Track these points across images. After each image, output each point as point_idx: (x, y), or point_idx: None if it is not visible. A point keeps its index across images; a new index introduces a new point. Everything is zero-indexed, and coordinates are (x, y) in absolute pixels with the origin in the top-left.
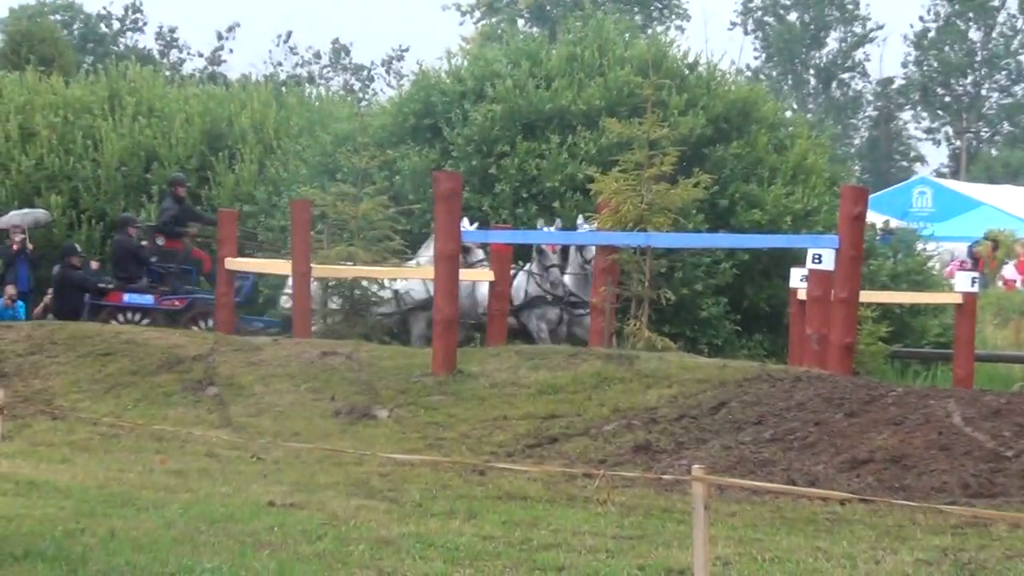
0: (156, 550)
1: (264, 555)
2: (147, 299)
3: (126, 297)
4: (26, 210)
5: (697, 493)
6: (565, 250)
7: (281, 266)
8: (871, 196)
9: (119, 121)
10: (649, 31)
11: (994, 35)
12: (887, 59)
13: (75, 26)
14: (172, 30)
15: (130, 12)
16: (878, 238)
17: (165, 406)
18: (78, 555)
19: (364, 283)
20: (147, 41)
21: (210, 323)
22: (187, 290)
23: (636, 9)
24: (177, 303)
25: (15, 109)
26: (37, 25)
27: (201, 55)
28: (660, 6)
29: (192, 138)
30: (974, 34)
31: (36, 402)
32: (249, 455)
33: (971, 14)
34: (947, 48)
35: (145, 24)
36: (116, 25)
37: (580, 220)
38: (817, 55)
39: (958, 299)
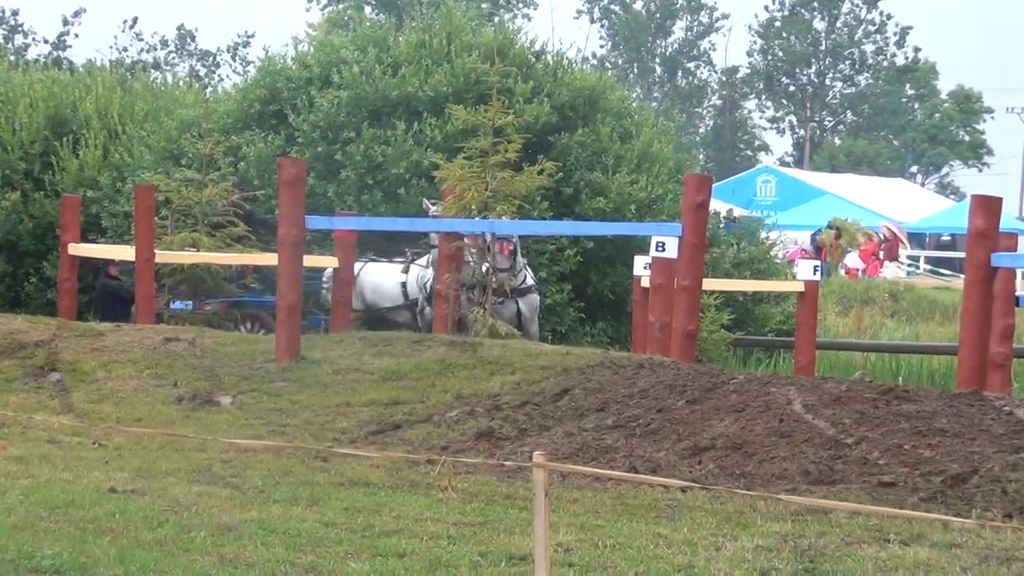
0: None
1: (105, 541)
2: (187, 304)
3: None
4: None
5: (538, 480)
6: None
7: (125, 252)
8: (716, 185)
9: None
10: (496, 19)
11: (838, 25)
12: (732, 48)
13: None
14: (15, 12)
15: None
16: (722, 226)
17: (6, 392)
18: None
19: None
20: None
21: (256, 326)
22: (227, 293)
23: None
24: (218, 307)
25: None
26: None
27: (46, 41)
28: None
29: (36, 123)
30: (818, 24)
31: None
32: (91, 441)
33: (816, 4)
34: (792, 38)
35: None
36: None
37: (426, 204)
38: (663, 44)
39: (800, 287)
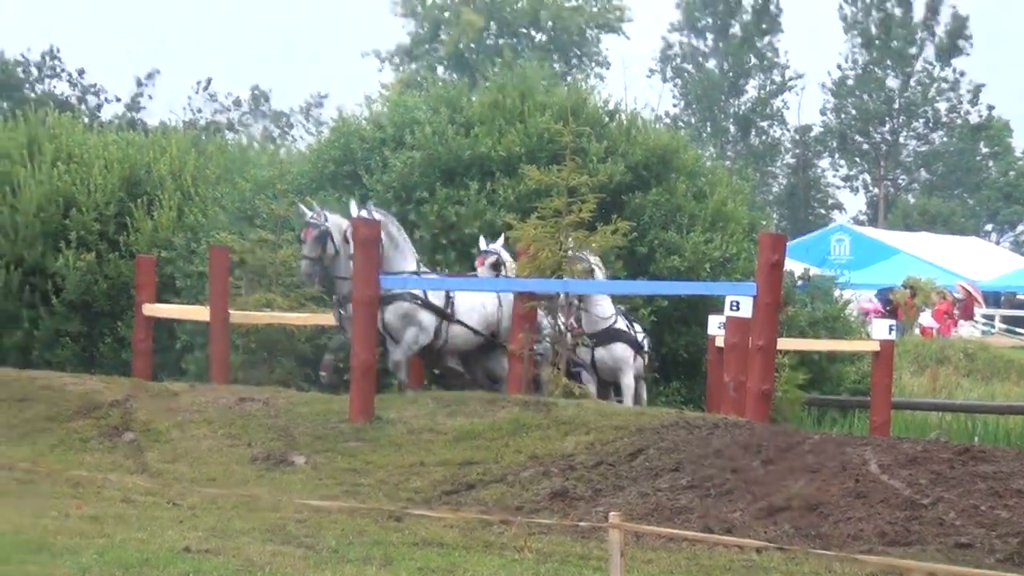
0: None
1: None
2: None
3: None
4: None
5: (614, 540)
6: None
7: (199, 312)
8: (789, 244)
9: (38, 167)
10: (569, 78)
11: (912, 83)
12: (805, 107)
13: None
14: (81, 72)
15: (47, 58)
16: (796, 285)
17: (81, 452)
18: None
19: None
20: (64, 87)
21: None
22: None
23: (556, 56)
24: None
25: None
26: None
27: (119, 99)
28: (579, 53)
29: (111, 184)
30: (892, 82)
31: None
32: (165, 501)
33: (889, 62)
34: (865, 96)
35: (63, 70)
36: (34, 72)
37: (483, 244)
38: (736, 103)
39: (875, 346)
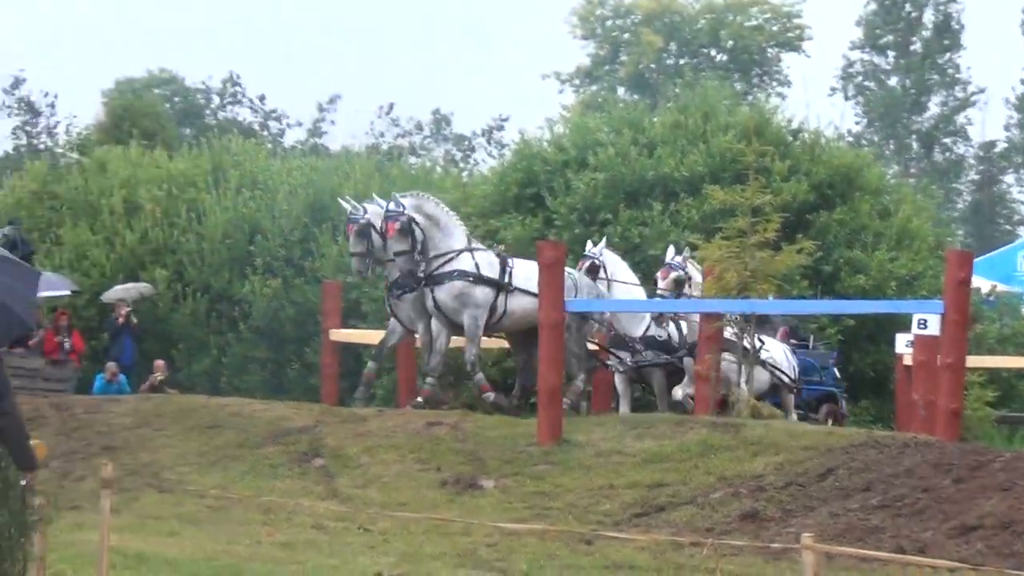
0: None
1: None
2: None
3: None
4: (130, 284)
5: (807, 561)
6: None
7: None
8: (975, 260)
9: (223, 194)
10: (750, 97)
11: None
12: (989, 122)
13: (175, 99)
14: (262, 98)
15: (228, 85)
16: (984, 302)
17: (272, 478)
18: None
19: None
20: (246, 113)
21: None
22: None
23: (736, 76)
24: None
25: (119, 183)
26: (139, 99)
27: (300, 124)
28: (760, 72)
29: (295, 210)
30: None
31: (144, 475)
32: (356, 526)
33: None
34: None
35: (244, 96)
36: (216, 99)
37: (670, 254)
38: (918, 119)
39: None
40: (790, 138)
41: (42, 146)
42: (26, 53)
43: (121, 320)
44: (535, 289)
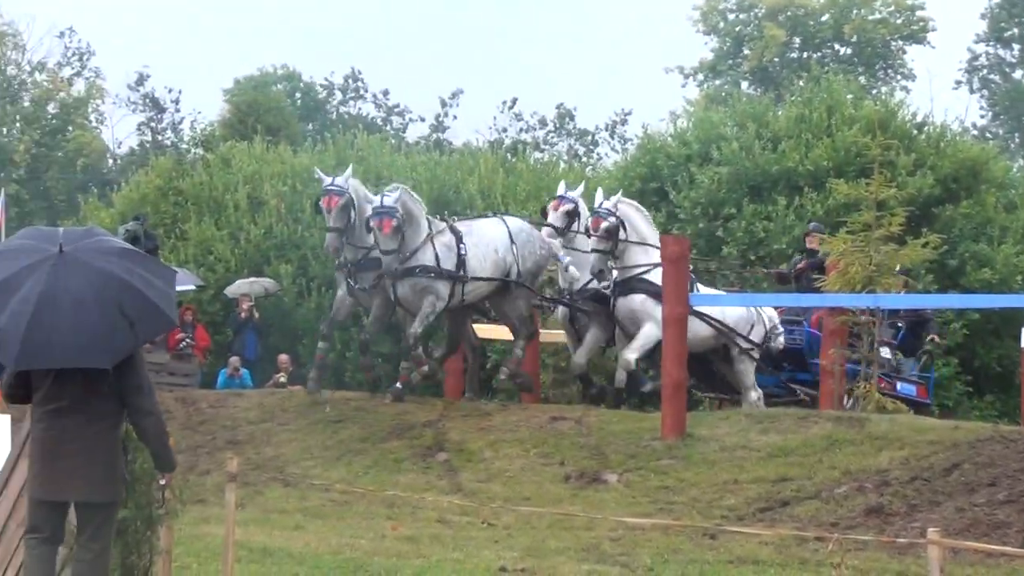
0: None
1: None
2: None
3: None
4: (254, 279)
5: (933, 556)
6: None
7: (507, 331)
8: None
9: None
10: (874, 91)
11: None
12: None
13: (296, 96)
14: (385, 93)
15: (350, 80)
16: None
17: (396, 472)
18: None
19: None
20: (369, 108)
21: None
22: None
23: (860, 69)
24: None
25: (244, 179)
26: (263, 95)
27: (422, 119)
28: (884, 65)
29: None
30: None
31: (268, 469)
32: (480, 521)
33: None
34: None
35: (366, 91)
36: (338, 95)
37: (562, 188)
38: None
39: None
40: (915, 132)
41: (167, 142)
42: (151, 50)
43: (244, 315)
44: (488, 272)
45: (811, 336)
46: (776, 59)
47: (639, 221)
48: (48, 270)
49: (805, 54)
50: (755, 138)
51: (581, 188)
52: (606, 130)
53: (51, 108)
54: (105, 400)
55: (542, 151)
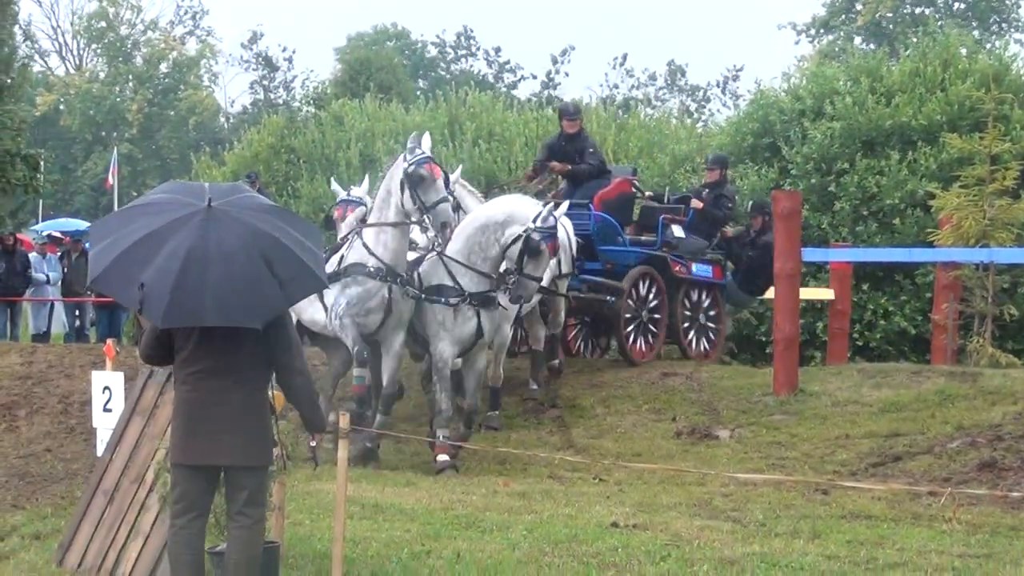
0: (501, 571)
1: None
2: None
3: None
4: None
5: None
6: None
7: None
8: None
9: (459, 146)
10: (988, 45)
11: None
12: None
13: (406, 53)
14: (497, 50)
15: (462, 38)
16: None
17: (508, 428)
18: None
19: None
20: (481, 65)
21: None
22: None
23: (975, 23)
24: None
25: (356, 136)
26: (375, 53)
27: (534, 77)
28: (999, 19)
29: (528, 162)
30: None
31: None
32: (592, 476)
33: None
34: None
35: (478, 49)
36: (450, 52)
37: (340, 191)
38: None
39: None
40: None
41: (279, 100)
42: (263, 9)
43: None
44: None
45: (596, 222)
46: (890, 14)
47: (472, 204)
48: (197, 225)
49: (918, 9)
50: (868, 92)
51: (457, 173)
52: (717, 86)
53: (163, 67)
54: (252, 361)
55: (653, 107)
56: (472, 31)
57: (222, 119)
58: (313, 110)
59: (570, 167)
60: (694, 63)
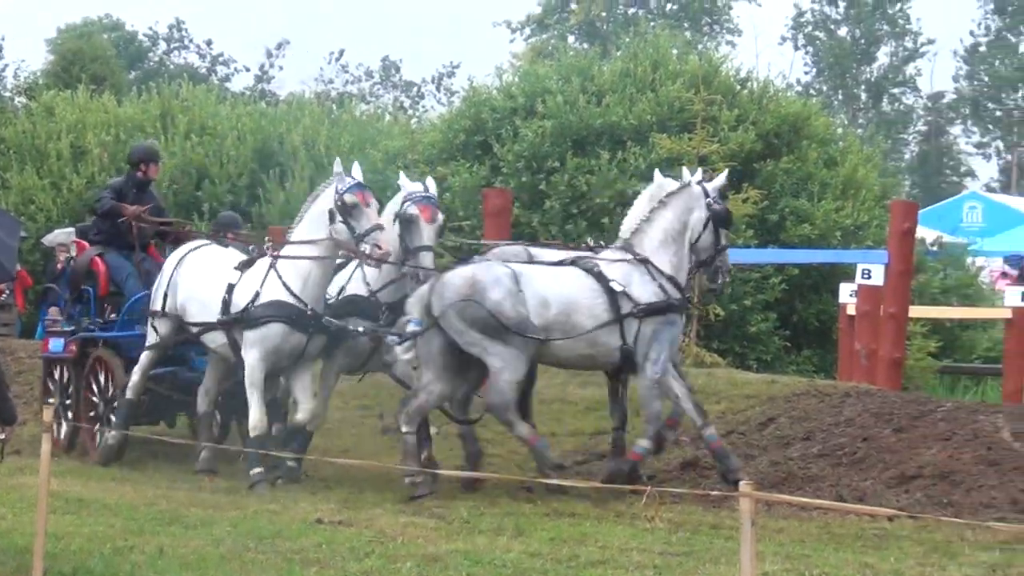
0: (204, 568)
1: (311, 572)
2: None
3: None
4: (71, 228)
5: (744, 509)
6: None
7: None
8: (921, 211)
9: (171, 139)
10: (700, 46)
11: None
12: (937, 74)
13: (120, 45)
14: (208, 43)
15: (174, 31)
16: (928, 252)
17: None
18: (127, 573)
19: None
20: (193, 58)
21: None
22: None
23: (687, 25)
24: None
25: (67, 128)
26: (88, 44)
27: (247, 69)
28: (710, 21)
29: (243, 156)
30: None
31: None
32: (302, 473)
33: (1022, 27)
34: (997, 62)
35: (190, 41)
36: (163, 45)
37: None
38: (867, 70)
39: (1008, 314)
40: (738, 87)
41: None
42: None
43: (60, 265)
44: None
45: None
46: (603, 14)
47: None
48: None
49: (632, 9)
50: (580, 92)
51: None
52: (432, 83)
53: None
54: None
55: (368, 103)
56: (184, 23)
57: None
58: (24, 100)
59: None
60: (409, 59)
